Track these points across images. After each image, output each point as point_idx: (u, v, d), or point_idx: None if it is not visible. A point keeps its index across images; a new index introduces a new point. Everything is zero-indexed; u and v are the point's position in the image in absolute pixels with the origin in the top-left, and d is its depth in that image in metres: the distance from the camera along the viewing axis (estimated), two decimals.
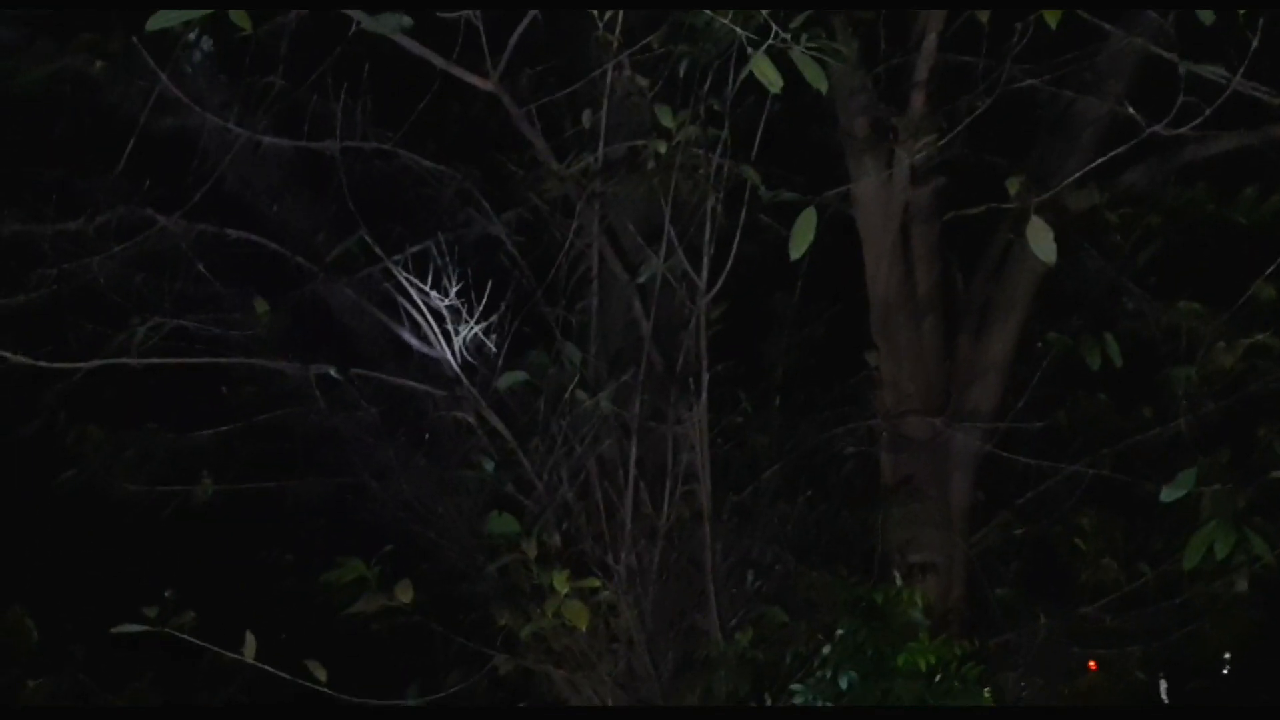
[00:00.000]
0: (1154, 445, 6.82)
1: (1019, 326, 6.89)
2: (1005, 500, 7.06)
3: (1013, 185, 4.88)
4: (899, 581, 5.68)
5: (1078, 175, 5.55)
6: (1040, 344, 6.92)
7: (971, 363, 6.94)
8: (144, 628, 4.78)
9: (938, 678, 5.20)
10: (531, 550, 5.62)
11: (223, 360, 6.00)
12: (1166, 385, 6.64)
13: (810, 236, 4.36)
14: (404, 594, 5.30)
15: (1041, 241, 4.21)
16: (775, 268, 6.08)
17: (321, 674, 5.12)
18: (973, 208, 5.58)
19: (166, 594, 5.05)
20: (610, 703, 6.45)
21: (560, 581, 5.26)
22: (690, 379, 5.90)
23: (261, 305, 5.97)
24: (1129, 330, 6.70)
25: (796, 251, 4.36)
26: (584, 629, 5.34)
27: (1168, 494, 4.76)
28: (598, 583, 5.55)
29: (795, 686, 5.69)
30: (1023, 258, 6.68)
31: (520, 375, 5.89)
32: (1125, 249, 6.99)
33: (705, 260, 5.71)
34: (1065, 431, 7.06)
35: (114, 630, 4.76)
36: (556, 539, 5.93)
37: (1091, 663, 7.18)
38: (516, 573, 5.84)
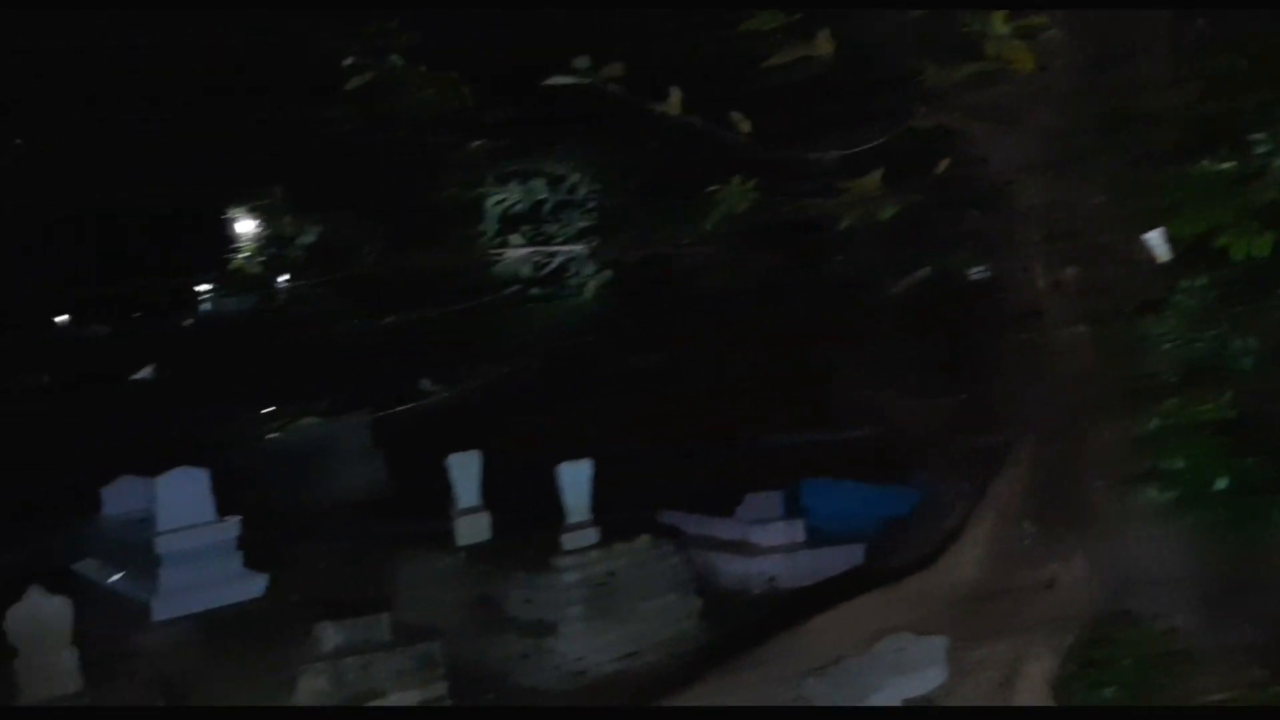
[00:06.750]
0: None
1: None
2: None
3: None
4: None
5: None
6: None
7: None
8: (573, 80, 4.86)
9: None
10: None
11: None
12: None
13: None
14: (824, 45, 5.01)
15: None
16: None
17: (745, 126, 5.09)
18: None
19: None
20: (1028, 157, 6.17)
21: (1000, 21, 4.79)
22: None
23: None
24: None
25: None
26: (1029, 70, 4.90)
27: None
28: (1044, 19, 5.02)
29: (1256, 136, 5.20)
30: None
31: None
32: None
33: None
34: None
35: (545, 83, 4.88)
36: None
37: None
38: (938, 19, 5.44)
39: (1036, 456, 6.83)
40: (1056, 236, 6.41)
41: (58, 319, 24.91)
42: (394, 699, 7.96)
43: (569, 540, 9.03)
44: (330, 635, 8.17)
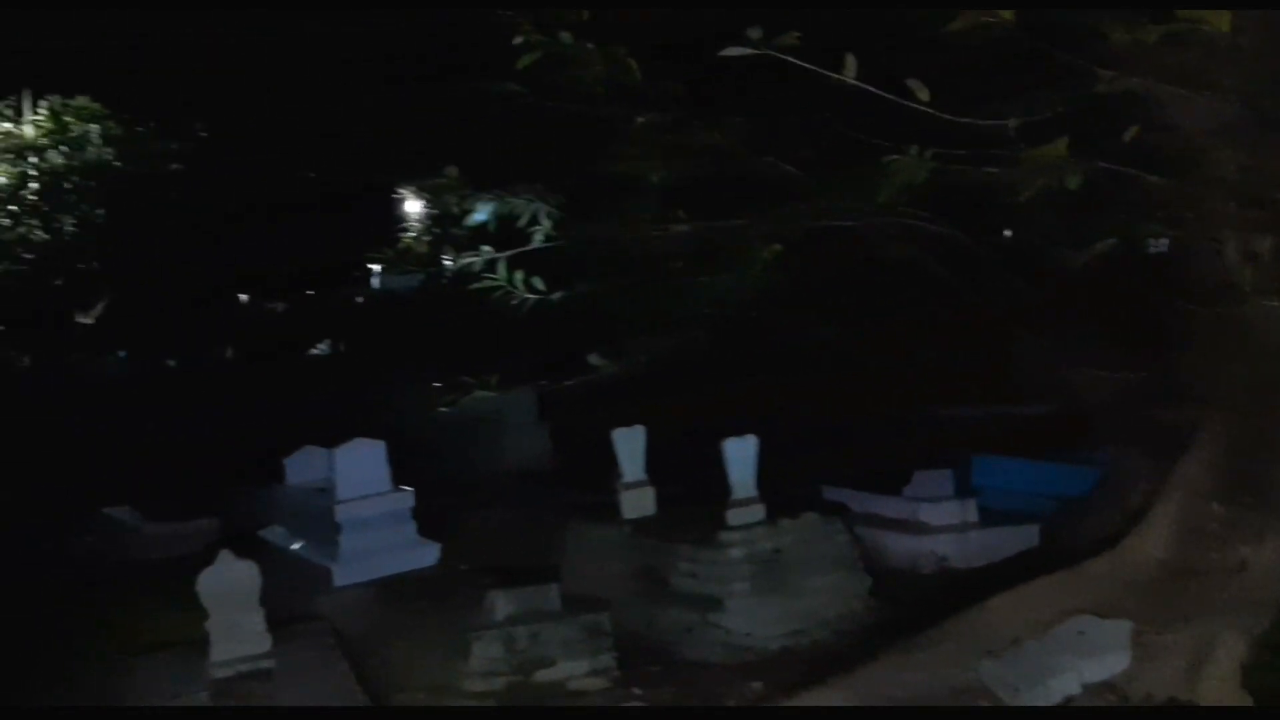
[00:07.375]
0: None
1: None
2: None
3: None
4: None
5: None
6: None
7: None
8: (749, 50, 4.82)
9: None
10: None
11: None
12: None
13: None
14: (1004, 12, 4.87)
15: None
16: None
17: (924, 94, 4.97)
18: None
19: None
20: (1221, 123, 5.86)
21: None
22: None
23: None
24: None
25: None
26: (1226, 29, 4.67)
27: None
28: None
29: None
30: None
31: None
32: None
33: None
34: None
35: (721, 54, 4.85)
36: None
37: None
38: None
39: (1227, 435, 6.53)
40: (1251, 205, 6.10)
41: (240, 296, 26.00)
42: (563, 667, 8.09)
43: (734, 516, 9.02)
44: (501, 604, 8.36)
